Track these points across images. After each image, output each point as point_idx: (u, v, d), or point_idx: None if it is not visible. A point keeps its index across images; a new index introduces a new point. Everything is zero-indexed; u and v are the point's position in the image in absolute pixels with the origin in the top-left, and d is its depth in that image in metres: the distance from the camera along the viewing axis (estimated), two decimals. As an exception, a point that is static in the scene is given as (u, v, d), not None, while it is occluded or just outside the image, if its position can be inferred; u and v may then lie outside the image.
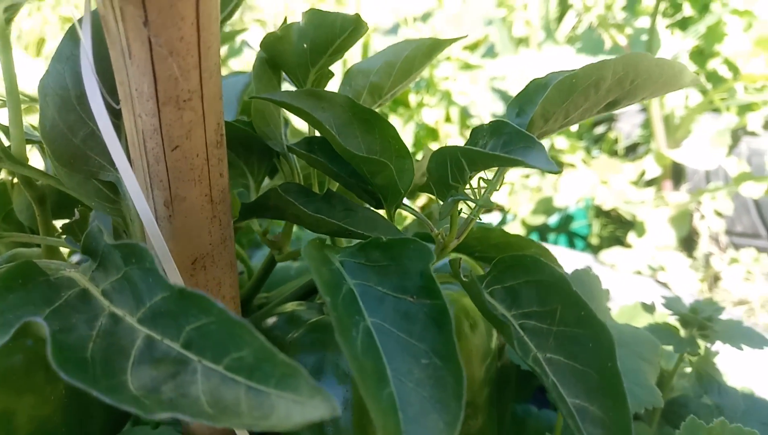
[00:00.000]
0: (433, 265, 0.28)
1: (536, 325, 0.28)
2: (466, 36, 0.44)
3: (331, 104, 0.35)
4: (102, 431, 0.37)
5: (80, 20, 0.29)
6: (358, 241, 0.34)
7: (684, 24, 0.95)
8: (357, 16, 0.34)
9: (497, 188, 0.32)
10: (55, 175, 0.37)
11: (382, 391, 0.24)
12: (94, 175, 0.34)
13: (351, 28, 0.35)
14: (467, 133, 1.11)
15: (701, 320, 0.42)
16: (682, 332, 0.44)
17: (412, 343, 0.26)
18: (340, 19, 0.35)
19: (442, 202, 0.32)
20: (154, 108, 0.28)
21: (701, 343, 0.44)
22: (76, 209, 0.32)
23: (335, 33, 0.35)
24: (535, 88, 0.38)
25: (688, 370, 0.46)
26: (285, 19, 0.36)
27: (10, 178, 0.43)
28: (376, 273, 0.30)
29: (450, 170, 0.30)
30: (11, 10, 0.30)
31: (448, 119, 0.98)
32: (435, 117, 0.95)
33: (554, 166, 0.26)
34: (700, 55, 0.89)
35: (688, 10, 0.92)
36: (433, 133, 0.96)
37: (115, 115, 0.31)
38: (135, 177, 0.29)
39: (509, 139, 0.29)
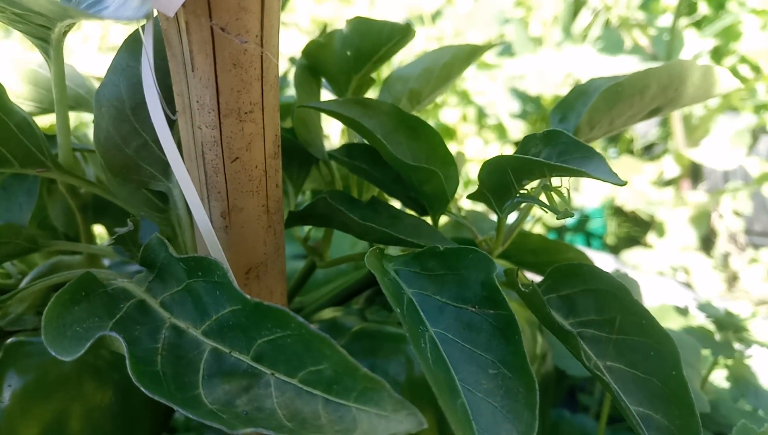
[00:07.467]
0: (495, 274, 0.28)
1: (595, 334, 0.28)
2: (502, 44, 0.45)
3: (377, 112, 0.35)
4: (149, 436, 0.37)
5: (141, 29, 0.29)
6: (409, 249, 0.34)
7: (700, 23, 0.95)
8: (407, 24, 0.34)
9: (556, 194, 0.32)
10: (101, 184, 0.38)
11: (455, 401, 0.24)
12: (145, 184, 0.34)
13: (399, 36, 0.35)
14: (485, 134, 1.12)
15: (737, 324, 0.43)
16: (717, 336, 0.44)
17: (478, 353, 0.26)
18: (388, 28, 0.35)
19: (497, 209, 0.32)
20: (215, 120, 0.28)
21: (735, 346, 0.45)
22: (128, 219, 0.32)
23: (382, 41, 0.36)
24: (575, 95, 0.39)
25: (722, 372, 0.47)
26: (325, 27, 0.36)
27: (47, 185, 0.43)
28: (433, 282, 0.30)
29: (506, 179, 0.30)
30: (71, 25, 0.30)
31: (464, 119, 0.99)
32: (453, 117, 0.95)
33: (617, 177, 0.26)
34: (716, 53, 0.89)
35: (704, 9, 0.92)
36: (450, 133, 0.97)
37: (170, 126, 0.31)
38: (194, 187, 0.29)
39: (565, 149, 0.29)
